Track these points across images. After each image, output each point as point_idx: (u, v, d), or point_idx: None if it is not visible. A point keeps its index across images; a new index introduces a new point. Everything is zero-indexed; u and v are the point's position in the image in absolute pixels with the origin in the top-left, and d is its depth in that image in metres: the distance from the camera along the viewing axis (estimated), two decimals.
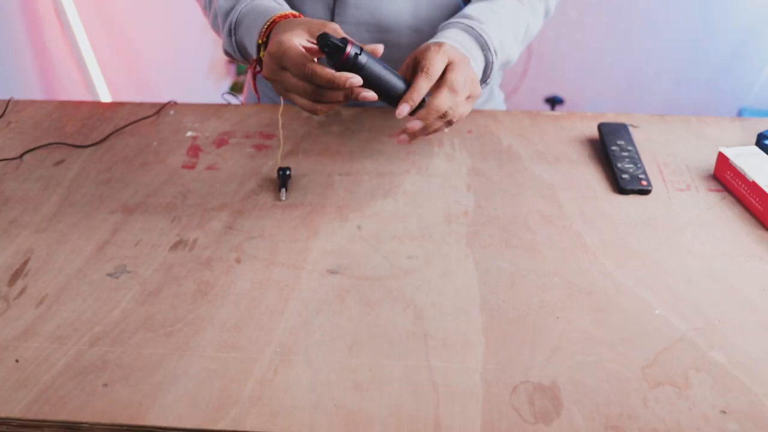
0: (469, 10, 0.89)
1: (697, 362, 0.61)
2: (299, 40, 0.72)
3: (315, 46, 0.72)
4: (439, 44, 0.77)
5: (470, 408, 0.57)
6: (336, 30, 0.72)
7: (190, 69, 2.43)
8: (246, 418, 0.56)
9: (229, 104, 1.05)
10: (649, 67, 2.38)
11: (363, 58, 0.70)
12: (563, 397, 0.57)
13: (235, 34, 0.85)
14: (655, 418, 0.56)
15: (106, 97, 1.94)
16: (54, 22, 1.76)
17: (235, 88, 2.58)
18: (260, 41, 0.78)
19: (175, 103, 1.04)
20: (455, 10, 0.98)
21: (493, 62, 0.86)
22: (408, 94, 0.73)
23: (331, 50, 0.68)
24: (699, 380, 0.59)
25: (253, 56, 0.81)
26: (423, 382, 0.59)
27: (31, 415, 0.56)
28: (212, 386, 0.59)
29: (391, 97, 0.74)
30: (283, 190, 0.82)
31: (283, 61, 0.71)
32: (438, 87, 0.75)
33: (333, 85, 0.69)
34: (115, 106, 1.05)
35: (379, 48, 0.73)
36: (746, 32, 2.25)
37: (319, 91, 0.71)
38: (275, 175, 0.87)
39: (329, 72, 0.69)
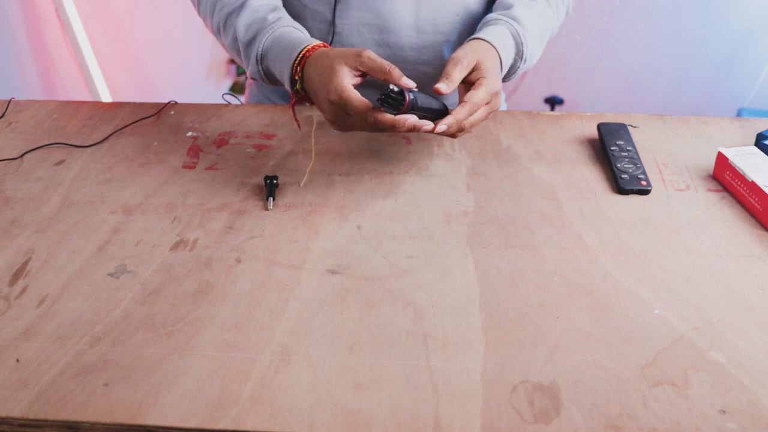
0: (516, 11, 0.92)
1: (696, 362, 0.61)
2: (351, 82, 0.77)
3: (361, 79, 0.79)
4: (492, 82, 0.81)
5: (470, 408, 0.57)
6: (370, 58, 0.76)
7: (191, 69, 2.43)
8: (246, 418, 0.56)
9: (230, 104, 1.05)
10: (649, 67, 2.39)
11: (417, 101, 0.75)
12: (563, 396, 0.58)
13: (261, 64, 0.88)
14: (654, 417, 0.56)
15: (106, 97, 1.94)
16: (54, 22, 1.77)
17: (235, 89, 2.58)
18: (297, 77, 0.82)
19: (176, 104, 1.05)
20: (457, 10, 0.98)
21: (519, 68, 0.92)
22: (451, 119, 0.77)
23: (394, 102, 0.74)
24: (698, 380, 0.59)
25: (287, 87, 0.85)
26: (423, 382, 0.59)
27: (31, 415, 0.56)
28: (212, 386, 0.59)
29: (432, 119, 0.78)
30: (270, 199, 0.82)
31: (347, 110, 0.76)
32: (472, 111, 0.80)
33: (396, 130, 0.75)
34: (116, 106, 1.05)
35: (412, 84, 0.77)
36: (746, 32, 2.25)
37: (383, 131, 0.77)
38: (275, 178, 0.86)
39: (391, 118, 0.74)
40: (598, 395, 0.58)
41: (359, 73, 0.78)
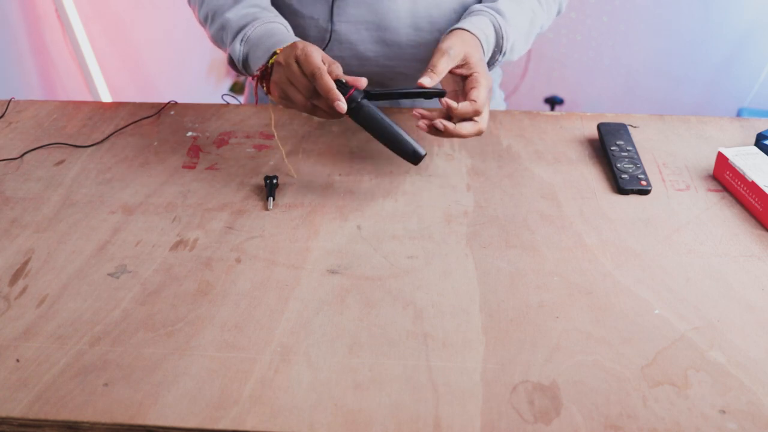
0: (503, 5, 0.93)
1: (696, 362, 0.61)
2: (318, 55, 0.78)
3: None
4: (486, 76, 0.83)
5: (470, 408, 0.57)
6: (333, 62, 0.79)
7: (191, 69, 2.43)
8: (246, 418, 0.56)
9: (230, 104, 1.05)
10: (649, 67, 2.38)
11: (364, 102, 0.78)
12: (563, 396, 0.58)
13: (246, 44, 0.89)
14: (654, 417, 0.56)
15: (106, 97, 1.94)
16: (54, 22, 1.76)
17: (235, 89, 2.58)
18: (278, 51, 0.82)
19: (176, 104, 1.05)
20: (454, 7, 0.98)
21: (498, 61, 0.94)
22: (458, 110, 0.79)
23: (341, 89, 0.77)
24: (698, 380, 0.59)
25: (253, 70, 0.87)
26: (423, 382, 0.59)
27: (31, 415, 0.56)
28: (212, 386, 0.59)
29: (389, 141, 0.80)
30: (270, 199, 0.82)
31: (304, 53, 0.77)
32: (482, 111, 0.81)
33: (326, 94, 0.76)
34: (116, 106, 1.05)
35: (362, 81, 0.79)
36: (746, 32, 2.25)
37: (315, 96, 0.78)
38: (275, 178, 0.87)
39: (331, 85, 0.76)
40: (598, 395, 0.58)
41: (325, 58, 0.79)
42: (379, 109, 0.79)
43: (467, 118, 0.80)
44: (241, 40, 0.88)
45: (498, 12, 0.92)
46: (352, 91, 0.78)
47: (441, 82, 0.86)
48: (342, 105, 0.76)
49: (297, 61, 0.78)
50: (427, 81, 0.79)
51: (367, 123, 0.79)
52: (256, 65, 0.86)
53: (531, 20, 0.97)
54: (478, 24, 0.89)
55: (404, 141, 0.79)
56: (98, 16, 1.90)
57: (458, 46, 0.83)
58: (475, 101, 0.80)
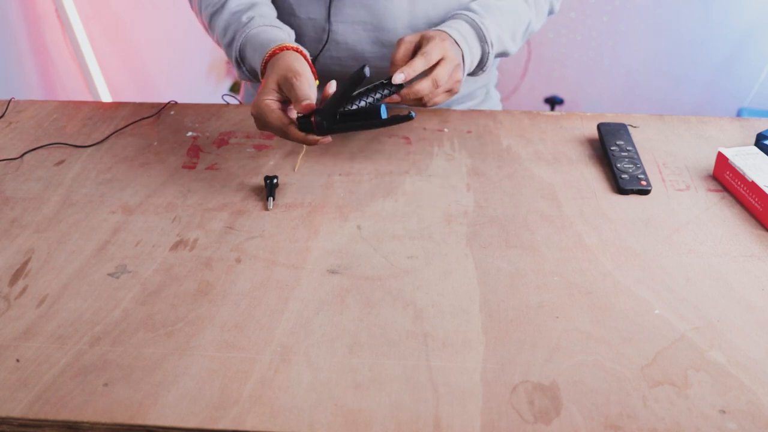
0: (474, 4, 0.95)
1: (696, 362, 0.61)
2: (270, 99, 0.80)
3: (280, 104, 0.82)
4: (443, 37, 0.87)
5: (470, 408, 0.57)
6: (293, 85, 0.78)
7: (191, 69, 2.43)
8: (246, 418, 0.56)
9: (230, 104, 1.05)
10: (649, 67, 2.38)
11: (324, 123, 0.79)
12: (563, 396, 0.58)
13: (244, 65, 0.92)
14: (654, 417, 0.56)
15: (106, 97, 1.94)
16: (54, 22, 1.76)
17: (235, 89, 2.58)
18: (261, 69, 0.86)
19: (176, 104, 1.05)
20: (452, 8, 0.98)
21: (489, 53, 0.94)
22: (405, 68, 0.83)
23: (305, 123, 0.79)
24: (698, 380, 0.59)
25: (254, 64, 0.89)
26: (423, 382, 0.59)
27: (31, 415, 0.56)
28: (212, 386, 0.59)
29: (371, 121, 0.80)
30: (270, 199, 0.82)
31: (265, 124, 0.81)
32: (423, 76, 0.85)
33: (307, 144, 0.81)
34: (116, 106, 1.05)
35: (331, 86, 0.82)
36: (746, 32, 2.25)
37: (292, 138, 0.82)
38: (275, 178, 0.87)
39: (301, 135, 0.80)
40: (598, 395, 0.58)
41: (280, 97, 0.81)
42: (347, 115, 0.80)
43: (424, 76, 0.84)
44: (236, 61, 0.91)
45: (469, 10, 0.94)
46: (315, 126, 0.79)
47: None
48: (323, 140, 0.80)
49: (262, 115, 0.80)
50: (401, 78, 0.82)
51: (347, 130, 0.81)
52: (252, 63, 0.88)
53: (513, 13, 0.97)
54: (446, 24, 0.92)
55: (387, 120, 0.80)
56: (98, 16, 1.90)
57: (411, 36, 0.88)
58: (424, 53, 0.83)
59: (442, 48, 0.85)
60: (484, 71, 0.97)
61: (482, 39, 0.92)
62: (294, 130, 0.80)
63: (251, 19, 0.91)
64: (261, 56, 0.85)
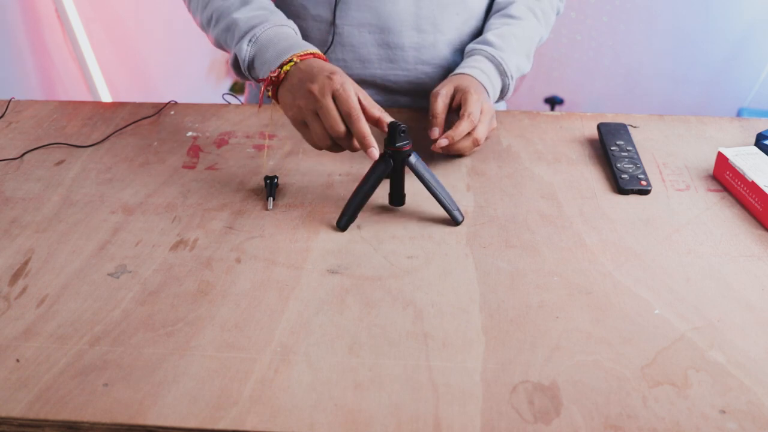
0: (491, 36, 0.97)
1: (696, 362, 0.61)
2: (354, 89, 0.77)
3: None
4: (477, 89, 0.88)
5: (470, 408, 0.57)
6: (375, 108, 0.79)
7: (191, 69, 2.43)
8: (246, 418, 0.56)
9: (230, 104, 1.05)
10: (649, 67, 2.38)
11: (412, 159, 0.77)
12: (563, 396, 0.58)
13: (254, 45, 0.87)
14: (654, 417, 0.56)
15: (106, 97, 1.94)
16: (54, 22, 1.77)
17: (235, 89, 2.58)
18: (298, 59, 0.81)
19: (176, 104, 1.05)
20: (457, 9, 0.98)
21: (509, 85, 0.97)
22: (451, 132, 0.84)
23: (396, 137, 0.76)
24: (698, 380, 0.59)
25: (258, 73, 0.85)
26: (423, 382, 0.59)
27: (31, 415, 0.56)
28: (212, 386, 0.59)
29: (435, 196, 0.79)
30: (270, 199, 0.82)
31: (344, 89, 0.76)
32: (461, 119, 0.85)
33: (361, 139, 0.76)
34: (116, 106, 1.05)
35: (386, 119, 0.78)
36: (746, 32, 2.25)
37: (342, 136, 0.77)
38: (275, 178, 0.86)
39: (366, 131, 0.75)
40: (598, 395, 0.58)
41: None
42: (421, 165, 0.78)
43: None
44: (249, 41, 0.86)
45: (487, 43, 0.96)
46: (407, 149, 0.76)
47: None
48: (375, 152, 0.75)
49: (334, 96, 0.76)
50: (436, 132, 0.85)
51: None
52: (264, 68, 0.84)
53: (529, 40, 1.00)
54: (468, 63, 0.94)
55: (443, 203, 0.78)
56: (98, 16, 1.90)
57: (447, 85, 0.89)
58: (469, 114, 0.84)
59: (479, 102, 0.86)
60: (504, 99, 1.00)
61: (503, 73, 0.95)
62: (364, 122, 0.76)
63: (288, 20, 0.90)
64: (298, 48, 0.82)
